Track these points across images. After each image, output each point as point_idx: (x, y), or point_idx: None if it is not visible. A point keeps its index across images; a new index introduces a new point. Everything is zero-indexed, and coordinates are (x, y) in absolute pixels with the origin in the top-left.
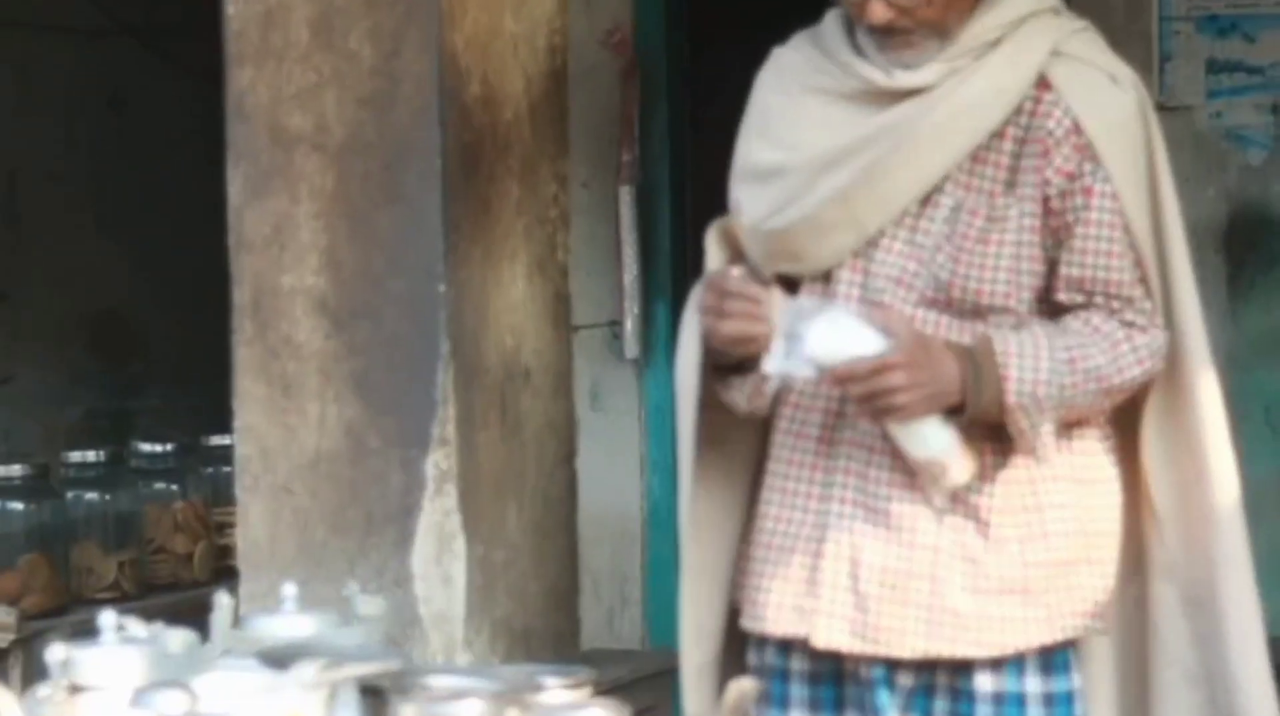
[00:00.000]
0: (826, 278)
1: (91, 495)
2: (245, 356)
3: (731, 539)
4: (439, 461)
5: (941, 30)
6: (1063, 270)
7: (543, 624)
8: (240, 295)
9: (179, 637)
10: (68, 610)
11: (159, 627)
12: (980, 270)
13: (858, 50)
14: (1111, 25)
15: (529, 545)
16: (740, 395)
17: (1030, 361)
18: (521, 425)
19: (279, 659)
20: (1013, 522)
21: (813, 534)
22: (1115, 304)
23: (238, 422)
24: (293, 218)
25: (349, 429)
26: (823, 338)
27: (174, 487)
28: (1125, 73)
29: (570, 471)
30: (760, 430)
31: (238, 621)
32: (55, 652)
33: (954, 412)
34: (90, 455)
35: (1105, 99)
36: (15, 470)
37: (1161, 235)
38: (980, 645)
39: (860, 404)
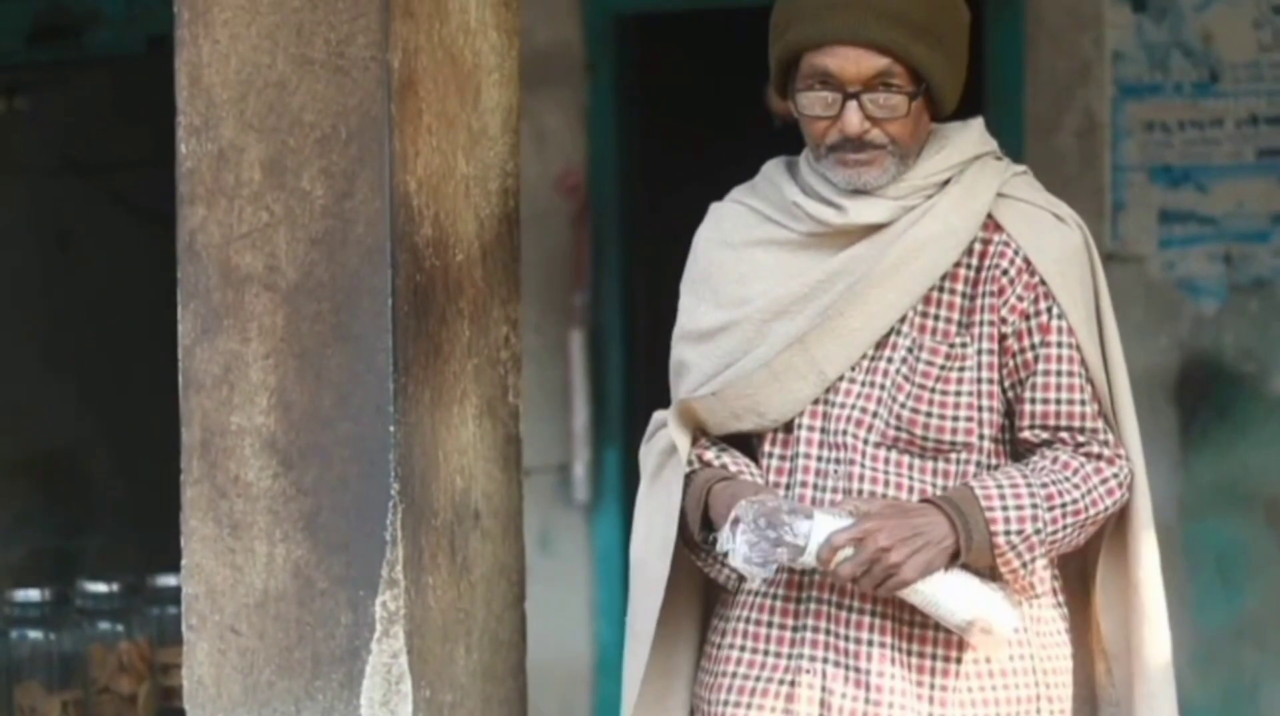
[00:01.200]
0: (787, 427)
1: (35, 634)
2: (193, 496)
3: (682, 687)
4: (387, 602)
5: (903, 152)
6: (1027, 407)
7: None
8: (189, 435)
9: None
10: None
11: None
12: (942, 408)
13: (806, 193)
14: (1064, 174)
15: (476, 688)
16: (731, 575)
17: (1013, 501)
18: (470, 567)
19: None
20: (972, 659)
21: (784, 677)
22: (1080, 438)
23: (185, 562)
24: (242, 357)
25: (297, 569)
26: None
27: (119, 628)
28: (1067, 211)
29: (520, 614)
30: (703, 580)
31: None
32: None
33: (950, 562)
34: (34, 594)
35: (1053, 237)
36: None
37: (1109, 369)
38: None
39: (863, 583)
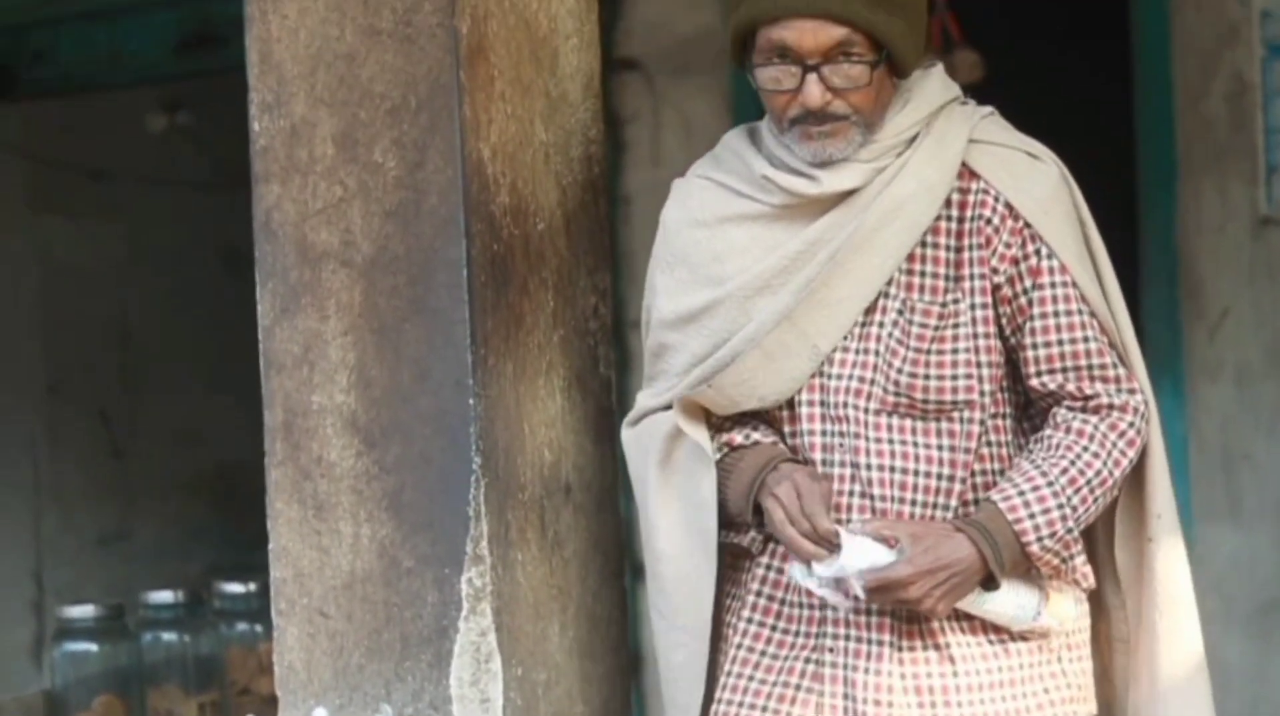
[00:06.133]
0: (790, 403)
1: (170, 636)
2: (278, 478)
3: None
4: (473, 579)
5: (868, 121)
6: (1030, 353)
7: None
8: (271, 417)
9: None
10: None
11: None
12: (939, 368)
13: (774, 164)
14: (1215, 139)
15: (573, 666)
16: (755, 538)
17: (1039, 506)
18: (563, 543)
19: None
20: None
21: (810, 656)
22: (1086, 384)
23: (272, 545)
24: (321, 335)
25: (383, 549)
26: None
27: (258, 629)
28: (1040, 148)
29: (619, 589)
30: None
31: None
32: None
33: (986, 583)
34: (168, 596)
35: (1031, 178)
36: (89, 611)
37: (1109, 302)
38: None
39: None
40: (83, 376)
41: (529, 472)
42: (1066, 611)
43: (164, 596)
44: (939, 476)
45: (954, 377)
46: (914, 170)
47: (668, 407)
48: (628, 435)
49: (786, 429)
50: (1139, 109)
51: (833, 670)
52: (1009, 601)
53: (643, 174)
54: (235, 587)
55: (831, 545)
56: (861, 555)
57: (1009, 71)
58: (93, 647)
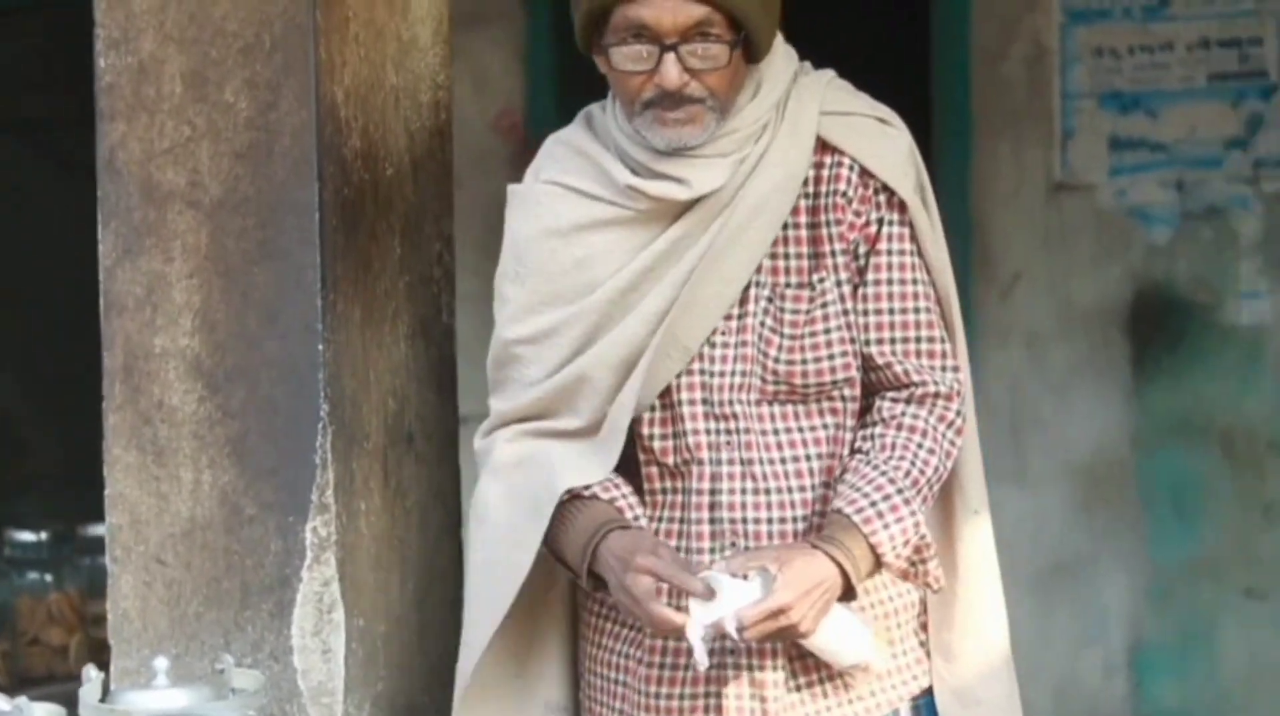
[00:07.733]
0: (668, 403)
1: None
2: (116, 422)
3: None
4: (318, 528)
5: (722, 106)
6: (861, 320)
7: (428, 700)
8: (111, 359)
9: (43, 711)
10: None
11: (23, 701)
12: (814, 351)
13: (633, 168)
14: (1012, 102)
15: (413, 618)
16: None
17: (891, 515)
18: (405, 493)
19: None
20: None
21: (709, 690)
22: (911, 359)
23: (108, 491)
24: (165, 277)
25: (224, 496)
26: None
27: (48, 578)
28: (887, 112)
29: (457, 542)
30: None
31: (107, 696)
32: None
33: (843, 597)
34: None
35: (883, 143)
36: None
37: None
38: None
39: (763, 641)
40: None
41: (374, 421)
42: (877, 657)
43: None
44: (828, 456)
45: (830, 358)
46: (775, 159)
47: (522, 419)
48: (479, 442)
49: (658, 432)
50: (935, 69)
51: (735, 671)
52: (838, 637)
53: None
54: (27, 536)
55: (709, 593)
56: (735, 594)
57: (808, 24)
58: None
